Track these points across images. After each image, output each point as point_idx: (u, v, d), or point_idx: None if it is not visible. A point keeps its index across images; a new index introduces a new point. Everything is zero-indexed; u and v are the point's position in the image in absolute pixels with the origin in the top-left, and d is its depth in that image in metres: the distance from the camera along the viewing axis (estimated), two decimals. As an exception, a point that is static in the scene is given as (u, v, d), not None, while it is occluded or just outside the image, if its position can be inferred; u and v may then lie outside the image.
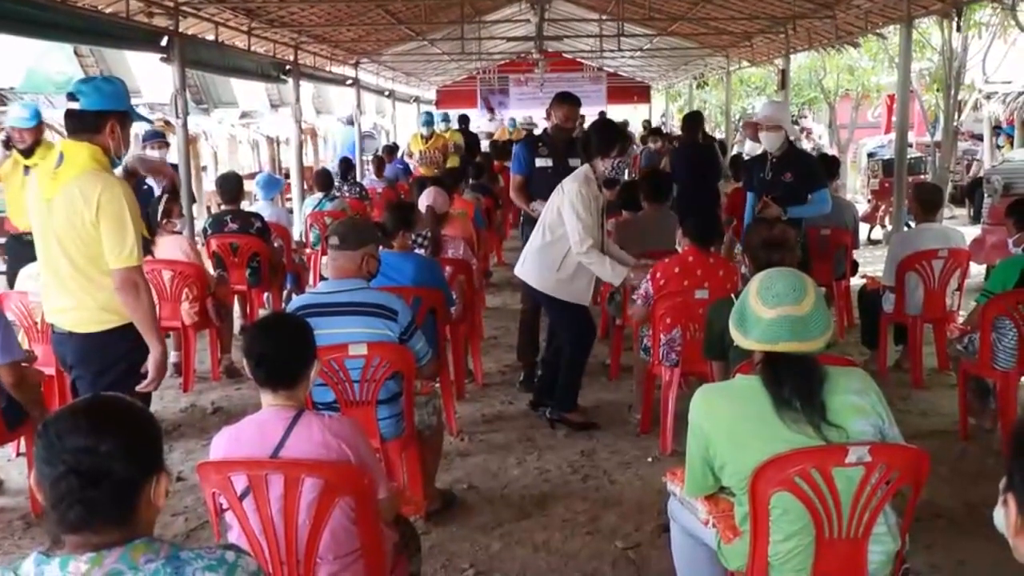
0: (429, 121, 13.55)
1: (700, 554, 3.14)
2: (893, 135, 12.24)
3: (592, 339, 5.96)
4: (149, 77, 15.36)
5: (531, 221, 8.58)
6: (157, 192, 7.39)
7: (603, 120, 6.04)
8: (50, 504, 1.71)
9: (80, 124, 3.81)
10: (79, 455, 1.69)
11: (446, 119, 15.86)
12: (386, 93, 21.68)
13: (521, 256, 5.84)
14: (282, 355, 2.87)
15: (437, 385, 5.07)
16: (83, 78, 3.94)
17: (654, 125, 24.79)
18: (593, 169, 5.52)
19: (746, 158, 9.67)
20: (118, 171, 4.06)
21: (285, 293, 8.56)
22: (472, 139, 17.13)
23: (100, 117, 3.80)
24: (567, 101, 6.75)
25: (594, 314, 8.57)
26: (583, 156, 5.66)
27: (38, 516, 4.60)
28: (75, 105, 3.81)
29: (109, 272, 3.77)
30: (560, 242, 5.50)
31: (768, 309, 2.69)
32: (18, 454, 5.39)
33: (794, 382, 2.65)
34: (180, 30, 8.99)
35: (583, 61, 24.64)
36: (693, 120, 10.24)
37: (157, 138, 8.27)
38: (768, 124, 6.65)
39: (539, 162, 6.79)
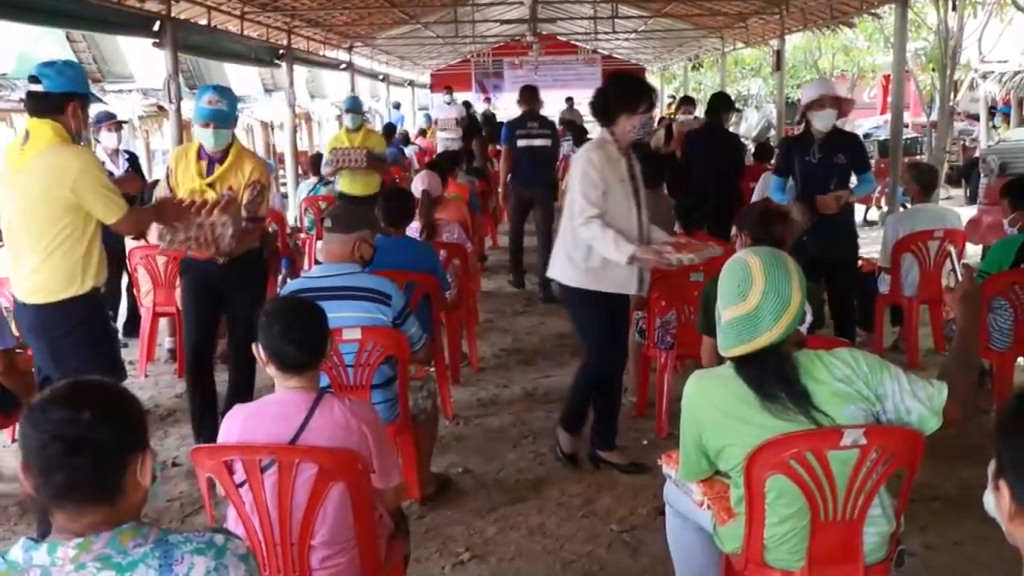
0: (217, 117, 4.92)
1: (695, 537, 3.13)
2: (889, 116, 12.22)
3: (610, 366, 4.90)
4: (142, 62, 15.27)
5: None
6: (117, 174, 7.37)
7: (618, 74, 5.09)
8: (36, 474, 1.73)
9: (43, 105, 3.96)
10: (62, 424, 1.70)
11: (355, 107, 9.67)
12: (380, 77, 21.63)
13: (552, 255, 4.93)
14: (305, 342, 2.87)
15: (432, 369, 5.06)
16: (45, 61, 4.09)
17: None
18: (613, 132, 4.63)
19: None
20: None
21: (280, 277, 8.54)
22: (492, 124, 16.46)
23: (63, 99, 3.93)
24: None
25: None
26: (599, 117, 4.71)
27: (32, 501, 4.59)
28: (39, 87, 3.94)
29: (74, 240, 3.97)
30: None
31: (723, 311, 2.68)
32: (13, 440, 5.37)
33: (772, 375, 2.61)
34: (172, 14, 8.92)
35: (577, 44, 24.57)
36: (721, 103, 8.92)
37: (110, 119, 8.19)
38: (831, 97, 6.00)
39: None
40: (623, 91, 4.62)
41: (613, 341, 4.82)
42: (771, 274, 2.62)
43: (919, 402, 2.63)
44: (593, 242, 4.52)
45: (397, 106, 24.10)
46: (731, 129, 10.84)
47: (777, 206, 3.91)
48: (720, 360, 2.79)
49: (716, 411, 2.71)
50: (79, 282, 4.02)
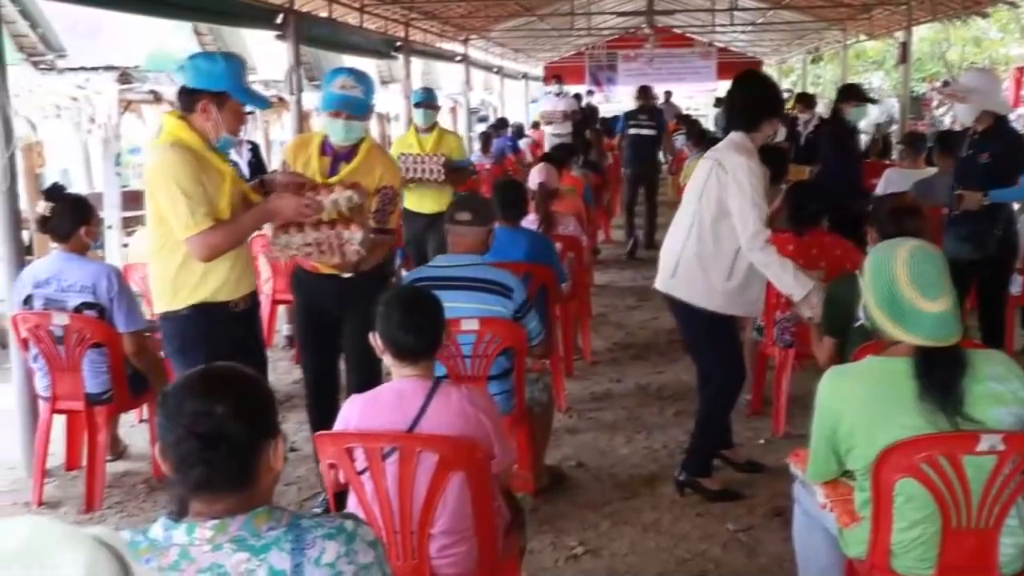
0: (350, 106, 4.19)
1: (821, 537, 3.04)
2: (1022, 110, 11.71)
3: (742, 381, 4.66)
4: (264, 55, 15.66)
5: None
6: (243, 167, 7.55)
7: (751, 72, 4.72)
8: (174, 467, 1.77)
9: (180, 101, 3.70)
10: (197, 418, 1.74)
11: (429, 100, 7.58)
12: (494, 70, 21.73)
13: (665, 266, 4.44)
14: (422, 330, 2.89)
15: (547, 362, 5.06)
16: (193, 53, 3.84)
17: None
18: (753, 138, 4.24)
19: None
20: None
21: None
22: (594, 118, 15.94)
23: (193, 95, 3.63)
24: None
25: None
26: (738, 121, 4.30)
27: (160, 480, 4.75)
28: (181, 81, 3.73)
29: (169, 248, 3.64)
30: (728, 240, 4.18)
31: (930, 302, 2.53)
32: (140, 420, 5.57)
33: (941, 373, 2.54)
34: (295, 7, 9.13)
35: (693, 36, 24.22)
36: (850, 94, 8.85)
37: None
38: (958, 93, 5.60)
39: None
40: (769, 95, 4.36)
41: (738, 358, 4.58)
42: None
43: None
44: (767, 269, 4.12)
45: (534, 101, 24.38)
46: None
47: (910, 201, 3.76)
48: (837, 361, 2.71)
49: (855, 405, 2.62)
50: (169, 296, 3.69)
